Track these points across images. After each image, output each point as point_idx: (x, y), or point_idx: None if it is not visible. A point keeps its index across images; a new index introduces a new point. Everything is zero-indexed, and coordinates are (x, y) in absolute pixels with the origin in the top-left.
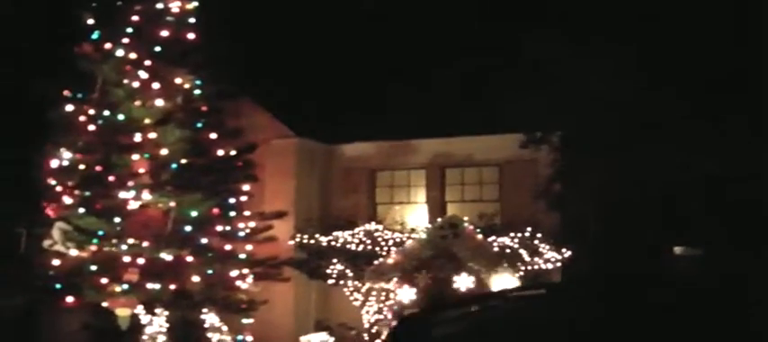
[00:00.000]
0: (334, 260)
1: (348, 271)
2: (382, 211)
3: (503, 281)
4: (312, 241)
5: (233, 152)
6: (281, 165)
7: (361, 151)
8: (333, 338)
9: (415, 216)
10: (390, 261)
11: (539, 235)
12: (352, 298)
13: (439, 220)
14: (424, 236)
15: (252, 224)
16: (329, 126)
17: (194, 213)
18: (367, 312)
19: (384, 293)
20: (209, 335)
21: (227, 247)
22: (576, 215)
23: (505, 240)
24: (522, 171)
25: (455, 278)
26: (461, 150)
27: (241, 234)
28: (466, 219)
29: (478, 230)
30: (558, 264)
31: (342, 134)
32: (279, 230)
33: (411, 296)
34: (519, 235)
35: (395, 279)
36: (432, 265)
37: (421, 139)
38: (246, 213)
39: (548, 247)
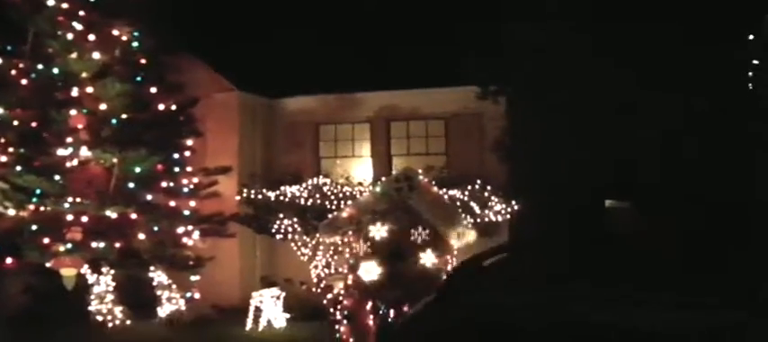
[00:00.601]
0: (281, 215)
1: (296, 225)
2: (327, 166)
3: (459, 232)
4: (259, 196)
5: (174, 107)
6: (222, 120)
7: (304, 105)
8: (284, 293)
9: (360, 170)
10: (344, 214)
11: (489, 187)
12: (299, 253)
13: (394, 172)
14: (378, 189)
15: (196, 180)
16: (271, 79)
17: (138, 170)
18: (315, 267)
19: (333, 247)
20: (158, 292)
21: (173, 203)
22: (523, 169)
23: (455, 193)
24: (469, 124)
25: (412, 231)
26: (407, 103)
27: (186, 190)
28: (420, 171)
29: (433, 184)
30: (508, 216)
31: (285, 88)
32: (224, 186)
33: (366, 249)
34: (468, 187)
35: (349, 232)
36: (387, 217)
37: (366, 92)
38: (190, 169)
39: (496, 199)
